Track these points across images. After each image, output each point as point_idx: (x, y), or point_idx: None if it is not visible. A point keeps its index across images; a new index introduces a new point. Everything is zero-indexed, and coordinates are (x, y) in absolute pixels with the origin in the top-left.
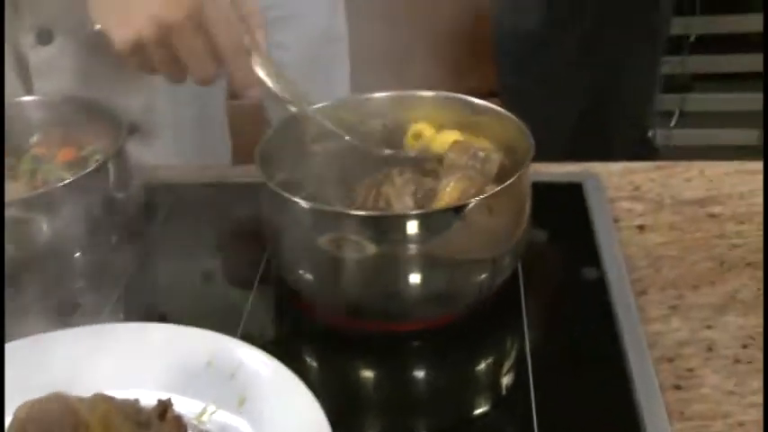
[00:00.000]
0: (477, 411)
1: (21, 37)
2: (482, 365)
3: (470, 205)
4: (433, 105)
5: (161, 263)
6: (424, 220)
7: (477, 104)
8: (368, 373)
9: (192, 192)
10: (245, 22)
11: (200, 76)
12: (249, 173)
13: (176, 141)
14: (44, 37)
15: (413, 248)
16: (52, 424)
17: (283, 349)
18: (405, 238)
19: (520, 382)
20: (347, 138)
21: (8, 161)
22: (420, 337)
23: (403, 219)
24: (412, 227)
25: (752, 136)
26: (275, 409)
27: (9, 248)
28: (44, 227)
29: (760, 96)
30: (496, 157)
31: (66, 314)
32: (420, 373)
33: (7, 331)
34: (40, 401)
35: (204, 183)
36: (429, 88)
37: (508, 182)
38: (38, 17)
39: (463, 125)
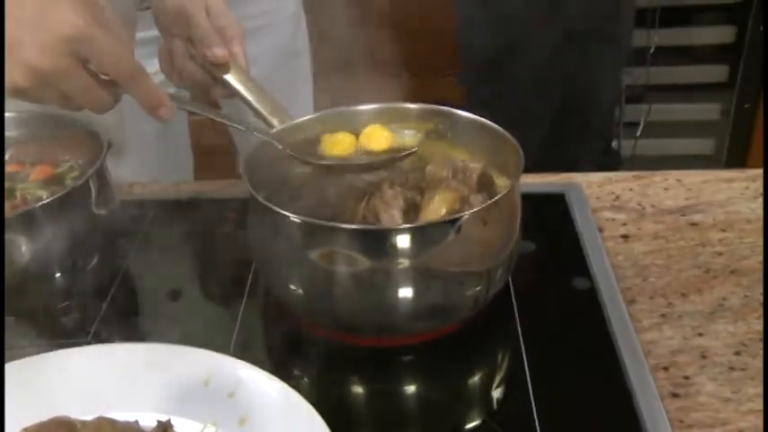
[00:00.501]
0: (478, 423)
1: None
2: (480, 378)
3: (465, 217)
4: (417, 117)
5: (144, 281)
6: (420, 233)
7: (461, 116)
8: (363, 389)
9: (171, 208)
10: (221, 34)
11: (95, 109)
12: (227, 188)
13: (140, 156)
14: None
15: (409, 262)
16: None
17: (277, 365)
18: (401, 251)
19: (520, 393)
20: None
21: None
22: (415, 350)
23: (399, 232)
24: (409, 240)
25: (708, 145)
26: (279, 428)
27: None
28: (23, 248)
29: (715, 106)
30: (476, 167)
31: (50, 335)
32: (416, 388)
33: None
34: (43, 425)
35: (181, 198)
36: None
37: (501, 194)
38: None
39: (447, 137)
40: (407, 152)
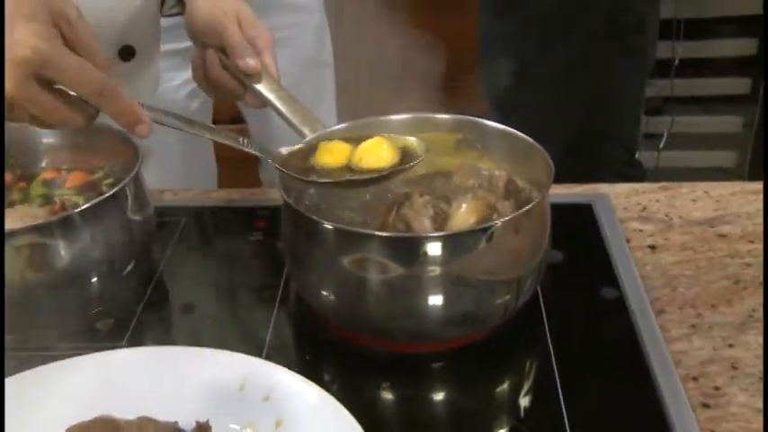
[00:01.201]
0: (507, 430)
1: None
2: (510, 385)
3: (496, 226)
4: (447, 127)
5: (178, 286)
6: (453, 241)
7: (490, 127)
8: (393, 394)
9: (202, 214)
10: (253, 44)
11: (66, 127)
12: (257, 196)
13: (166, 163)
14: None
15: (440, 269)
16: None
17: (309, 370)
18: (433, 259)
19: (550, 401)
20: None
21: (20, 185)
22: (445, 357)
23: (432, 240)
24: (441, 248)
25: (730, 158)
26: (312, 429)
27: (27, 273)
28: (62, 252)
29: (737, 119)
30: (501, 174)
31: (87, 339)
32: (446, 394)
33: (27, 355)
34: (89, 424)
35: (212, 205)
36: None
37: (532, 203)
38: None
39: (476, 147)
40: (407, 165)
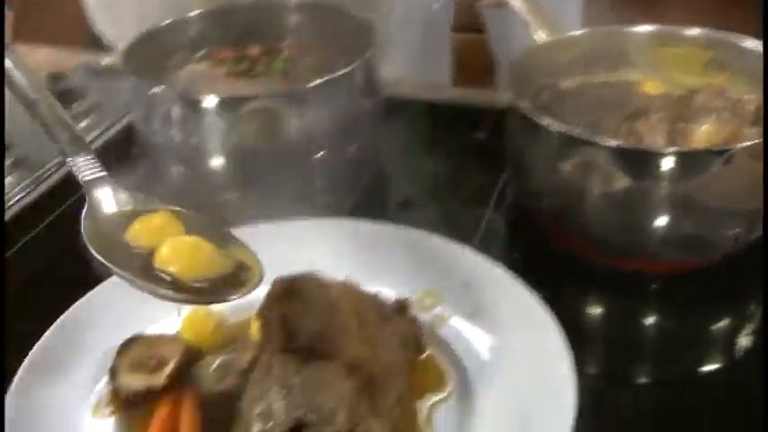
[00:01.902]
0: (716, 368)
1: None
2: (725, 323)
3: (736, 149)
4: (694, 43)
5: (396, 175)
6: (685, 158)
7: (748, 45)
8: (599, 308)
9: (432, 108)
10: None
11: None
12: (487, 96)
13: (401, 61)
14: None
15: (668, 187)
16: (306, 297)
17: (515, 268)
18: (662, 174)
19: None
20: None
21: (264, 59)
22: (660, 280)
23: (663, 155)
24: (672, 164)
25: None
26: (511, 322)
27: (257, 137)
28: (291, 122)
29: None
30: (751, 98)
31: (301, 210)
32: (655, 319)
33: (249, 213)
34: (296, 277)
35: (443, 100)
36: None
37: None
38: None
39: (727, 68)
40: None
